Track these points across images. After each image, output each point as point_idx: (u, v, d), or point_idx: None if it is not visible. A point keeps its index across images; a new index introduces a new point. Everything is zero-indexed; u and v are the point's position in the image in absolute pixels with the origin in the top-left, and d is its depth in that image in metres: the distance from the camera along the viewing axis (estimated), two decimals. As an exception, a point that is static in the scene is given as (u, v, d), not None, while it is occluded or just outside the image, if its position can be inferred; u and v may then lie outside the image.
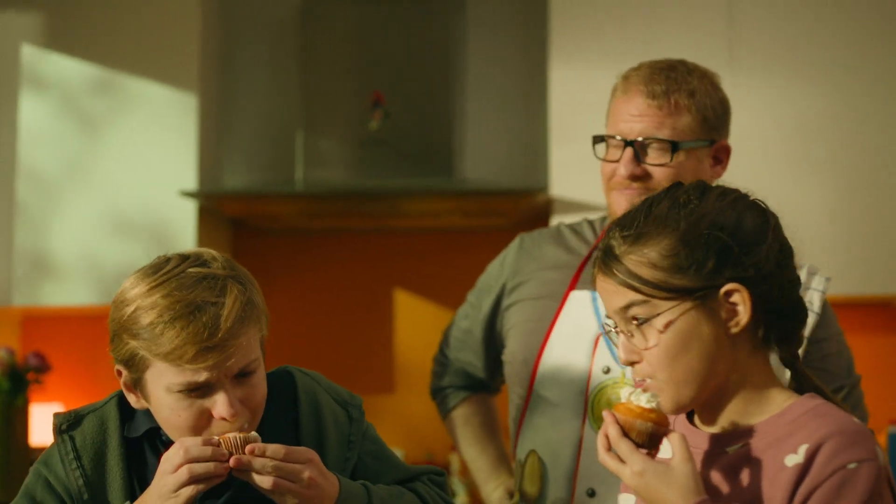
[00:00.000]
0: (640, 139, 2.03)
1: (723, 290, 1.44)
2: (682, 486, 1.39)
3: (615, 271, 1.47)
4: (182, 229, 3.71)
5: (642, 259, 1.45)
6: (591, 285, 2.03)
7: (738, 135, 3.61)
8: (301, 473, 1.56)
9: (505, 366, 2.19)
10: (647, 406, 1.43)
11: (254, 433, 1.57)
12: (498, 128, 4.07)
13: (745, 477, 1.44)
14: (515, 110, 4.08)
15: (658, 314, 1.45)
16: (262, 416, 1.68)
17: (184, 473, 1.51)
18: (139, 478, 1.66)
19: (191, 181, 3.72)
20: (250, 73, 4.12)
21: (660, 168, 2.03)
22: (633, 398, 1.45)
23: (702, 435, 1.50)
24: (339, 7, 3.84)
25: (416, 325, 4.10)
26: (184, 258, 1.63)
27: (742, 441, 1.46)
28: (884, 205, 3.61)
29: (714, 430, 1.50)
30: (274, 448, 1.56)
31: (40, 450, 3.57)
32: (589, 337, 2.04)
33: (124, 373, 1.65)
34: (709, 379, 1.46)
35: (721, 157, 2.13)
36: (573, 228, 2.23)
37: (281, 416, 1.71)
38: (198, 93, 3.76)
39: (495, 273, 2.26)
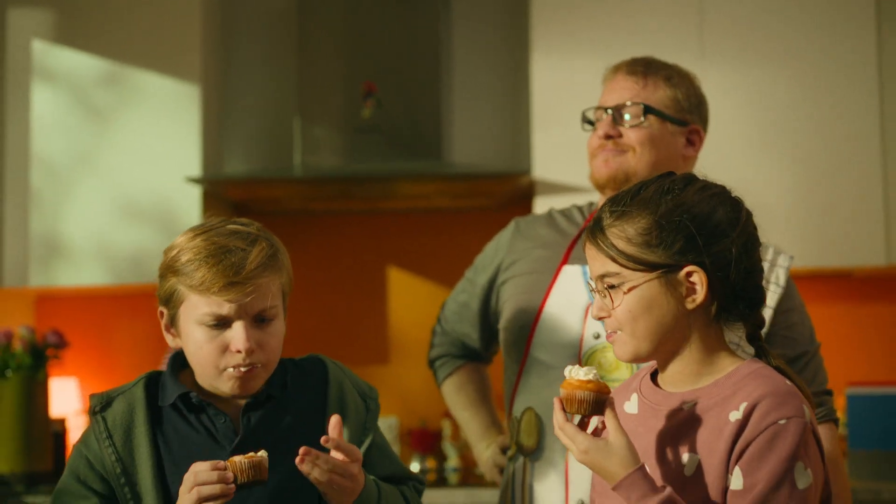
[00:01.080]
0: (617, 104, 2.26)
1: (684, 270, 1.62)
2: (620, 457, 1.58)
3: (598, 240, 1.66)
4: (187, 213, 3.78)
5: (622, 233, 1.64)
6: (582, 261, 2.25)
7: (710, 119, 3.80)
8: (352, 470, 1.74)
9: (502, 333, 2.35)
10: (585, 378, 1.63)
11: (262, 453, 1.72)
12: (483, 115, 4.13)
13: (696, 430, 1.62)
14: (499, 98, 4.14)
15: (626, 282, 1.64)
16: (295, 394, 1.86)
17: (194, 494, 1.68)
18: (165, 444, 1.82)
19: (195, 168, 3.79)
20: (250, 66, 4.16)
21: (634, 129, 2.25)
22: (573, 374, 1.64)
23: (663, 394, 1.69)
24: (332, 1, 3.88)
25: (408, 299, 4.18)
26: (227, 219, 1.86)
27: (695, 399, 1.65)
28: (844, 182, 3.72)
29: (673, 390, 1.68)
30: (343, 446, 1.74)
31: (59, 421, 3.75)
32: (580, 307, 2.22)
33: (165, 313, 1.85)
34: (665, 341, 1.65)
35: (694, 140, 2.33)
36: (564, 213, 2.43)
37: (311, 396, 1.89)
38: (200, 84, 3.82)
39: (491, 252, 2.45)
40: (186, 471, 1.73)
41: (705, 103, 2.36)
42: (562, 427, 1.63)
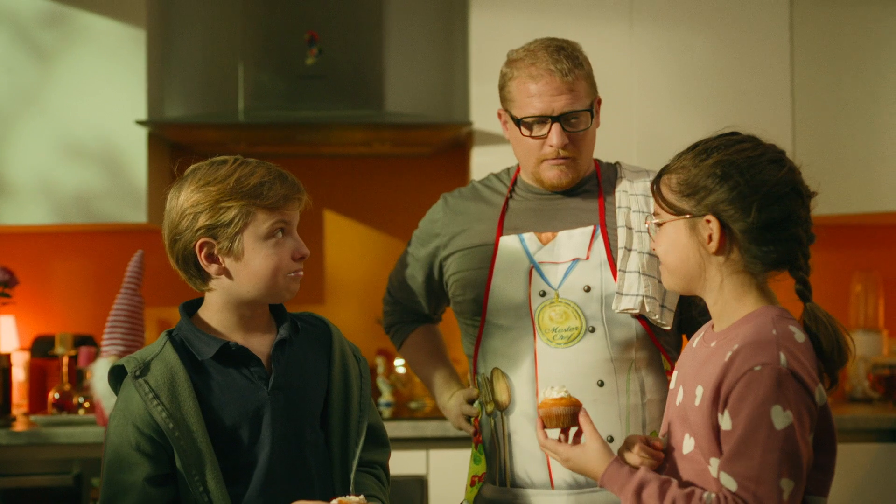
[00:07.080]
0: (565, 112, 2.35)
1: (704, 218, 1.85)
2: (597, 457, 1.86)
3: (655, 186, 1.92)
4: (132, 154, 3.85)
5: (668, 182, 1.90)
6: (516, 230, 2.45)
7: (637, 77, 4.01)
8: None
9: (456, 305, 2.53)
10: (557, 396, 1.89)
11: (360, 498, 1.91)
12: (423, 65, 4.23)
13: (707, 366, 1.84)
14: (439, 50, 4.25)
15: (663, 221, 1.90)
16: (305, 342, 2.08)
17: None
18: (207, 392, 1.97)
19: (141, 110, 3.85)
20: (195, 11, 4.19)
21: (580, 136, 2.37)
22: (547, 394, 1.90)
23: (711, 333, 1.91)
24: (277, -50, 3.93)
25: (343, 242, 4.31)
26: (240, 157, 2.02)
27: (718, 339, 1.87)
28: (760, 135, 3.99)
29: (717, 329, 1.90)
30: None
31: (5, 356, 3.79)
32: (523, 271, 2.40)
33: (212, 243, 1.95)
34: (691, 277, 1.89)
35: (598, 108, 2.46)
36: (486, 184, 2.56)
37: (318, 347, 2.10)
38: (146, 28, 3.87)
39: (427, 229, 2.60)
40: (229, 409, 1.95)
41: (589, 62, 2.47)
42: (544, 444, 1.90)
